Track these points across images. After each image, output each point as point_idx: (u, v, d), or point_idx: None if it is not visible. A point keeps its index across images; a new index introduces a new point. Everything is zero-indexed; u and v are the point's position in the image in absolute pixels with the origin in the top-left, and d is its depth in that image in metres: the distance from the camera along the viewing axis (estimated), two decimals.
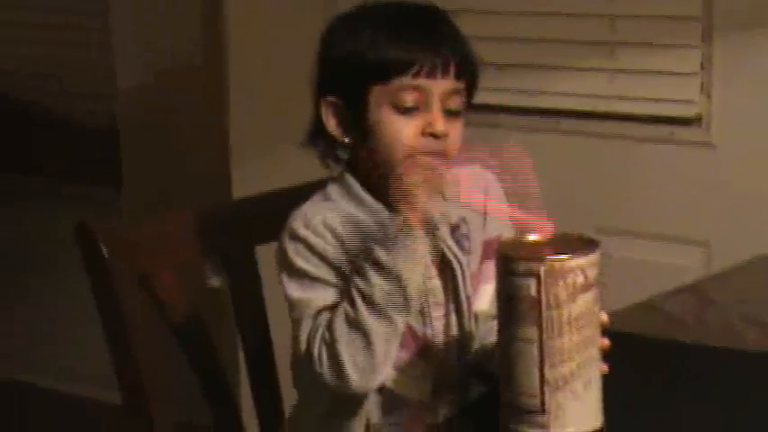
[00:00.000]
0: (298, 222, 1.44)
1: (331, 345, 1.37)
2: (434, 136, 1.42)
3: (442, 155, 1.44)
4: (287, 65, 1.73)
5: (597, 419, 1.21)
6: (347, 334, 1.36)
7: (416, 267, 1.38)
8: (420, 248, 1.40)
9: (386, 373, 1.43)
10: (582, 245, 1.21)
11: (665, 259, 2.31)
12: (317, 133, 1.51)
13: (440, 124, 1.42)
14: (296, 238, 1.43)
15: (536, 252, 1.20)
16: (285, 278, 1.45)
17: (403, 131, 1.42)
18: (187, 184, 3.07)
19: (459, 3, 2.22)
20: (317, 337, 1.40)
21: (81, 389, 3.22)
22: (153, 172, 3.25)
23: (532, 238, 1.24)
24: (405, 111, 1.42)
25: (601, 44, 2.39)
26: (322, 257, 1.42)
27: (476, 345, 1.52)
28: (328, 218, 1.44)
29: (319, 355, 1.38)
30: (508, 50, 2.45)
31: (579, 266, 1.17)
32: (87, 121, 3.56)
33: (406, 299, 1.37)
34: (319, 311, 1.40)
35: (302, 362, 1.49)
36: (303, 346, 1.41)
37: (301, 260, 1.42)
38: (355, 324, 1.36)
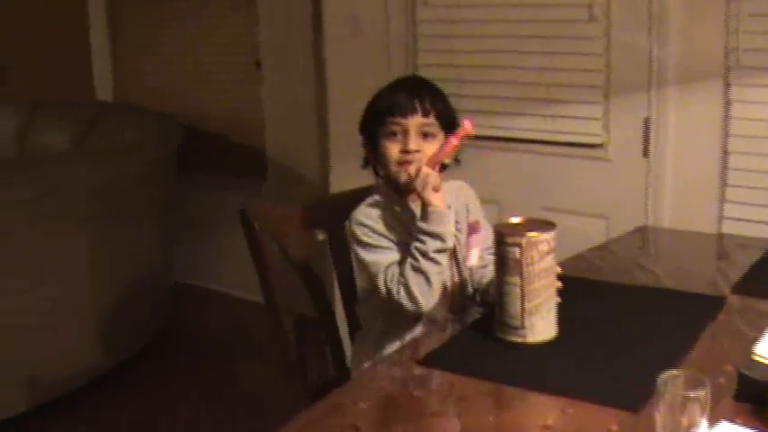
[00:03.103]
0: (361, 216, 1.77)
1: (405, 285, 1.68)
2: (407, 152, 1.76)
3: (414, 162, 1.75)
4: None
5: (554, 331, 1.53)
6: (414, 276, 1.68)
7: (448, 226, 1.70)
8: (445, 211, 1.69)
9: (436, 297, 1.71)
10: (546, 225, 1.54)
11: (582, 226, 2.69)
12: (367, 159, 1.87)
13: (412, 144, 1.76)
14: (361, 224, 1.76)
15: (519, 230, 1.50)
16: (359, 250, 1.76)
17: (391, 149, 1.78)
18: (304, 181, 3.83)
19: (469, 75, 2.92)
20: (394, 281, 1.70)
21: (242, 293, 4.04)
22: (284, 172, 3.96)
23: (516, 221, 1.56)
24: (391, 136, 1.78)
25: (544, 101, 2.81)
26: (378, 234, 1.74)
27: (470, 286, 1.85)
28: (377, 211, 1.77)
29: (398, 291, 1.69)
30: (492, 104, 2.91)
31: (545, 239, 1.50)
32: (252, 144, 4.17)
33: (445, 247, 1.69)
34: (387, 266, 1.72)
35: (365, 302, 1.82)
36: (383, 289, 1.71)
37: (367, 237, 1.75)
38: (418, 269, 1.68)
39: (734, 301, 1.74)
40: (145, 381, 3.41)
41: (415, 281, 1.68)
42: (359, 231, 1.75)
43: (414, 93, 1.79)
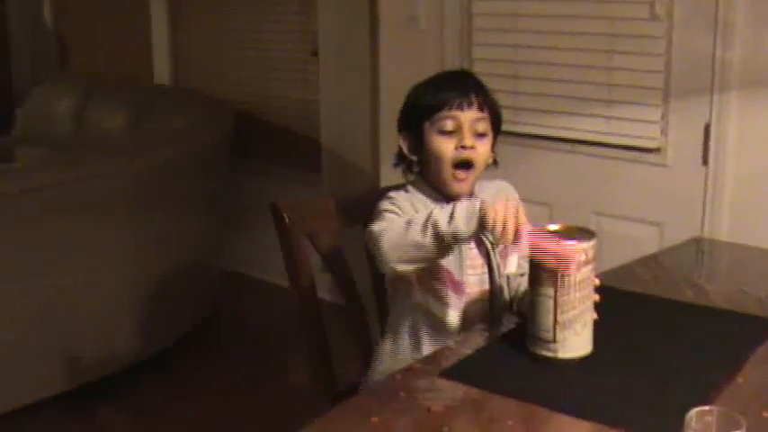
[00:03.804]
0: (390, 197, 1.71)
1: (380, 235, 1.56)
2: (464, 148, 1.68)
3: (471, 162, 1.69)
4: None
5: (588, 348, 1.45)
6: (399, 234, 1.54)
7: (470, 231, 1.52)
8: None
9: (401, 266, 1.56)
10: (585, 234, 1.43)
11: (634, 233, 2.63)
12: (400, 157, 1.79)
13: (468, 140, 1.68)
14: (388, 200, 1.70)
15: (555, 238, 1.41)
16: (378, 213, 1.67)
17: (445, 146, 1.70)
18: (359, 173, 3.78)
19: (523, 71, 2.84)
20: (383, 223, 1.61)
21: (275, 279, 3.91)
22: (339, 163, 3.91)
23: (553, 228, 1.45)
24: (445, 133, 1.70)
25: (600, 101, 2.71)
26: (399, 208, 1.67)
27: (506, 293, 1.76)
28: (406, 196, 1.71)
29: (377, 229, 1.58)
30: (546, 102, 2.83)
31: (583, 249, 1.40)
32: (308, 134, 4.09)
33: (459, 237, 1.51)
34: (388, 216, 1.64)
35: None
36: (368, 230, 1.61)
37: (387, 207, 1.67)
38: (405, 235, 1.53)
39: None
40: (185, 368, 3.39)
41: (397, 232, 1.53)
42: (383, 204, 1.68)
43: (467, 86, 1.72)
